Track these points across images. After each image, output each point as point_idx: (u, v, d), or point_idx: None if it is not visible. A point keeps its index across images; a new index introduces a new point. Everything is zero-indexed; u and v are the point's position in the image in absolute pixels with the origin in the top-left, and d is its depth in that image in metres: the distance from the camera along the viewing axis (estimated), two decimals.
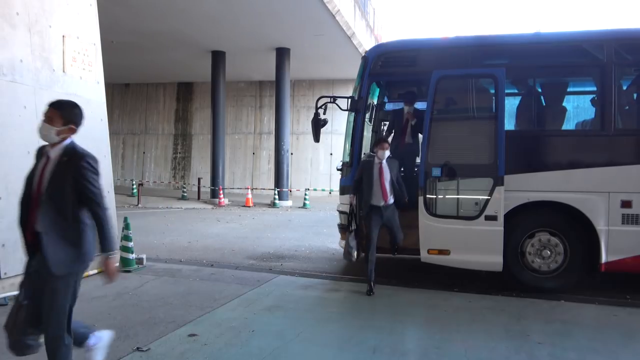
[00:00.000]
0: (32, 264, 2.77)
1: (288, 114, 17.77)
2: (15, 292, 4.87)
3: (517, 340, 3.98)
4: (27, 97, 5.25)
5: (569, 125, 5.98)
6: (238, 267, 6.67)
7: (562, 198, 5.37)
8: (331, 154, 21.06)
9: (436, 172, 5.57)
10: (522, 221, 5.50)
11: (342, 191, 6.49)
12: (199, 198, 18.56)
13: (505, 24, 66.05)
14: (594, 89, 5.83)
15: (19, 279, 5.05)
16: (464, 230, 5.50)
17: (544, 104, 6.00)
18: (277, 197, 16.94)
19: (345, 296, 5.36)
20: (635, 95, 5.78)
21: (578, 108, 5.99)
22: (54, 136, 2.77)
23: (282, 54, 17.01)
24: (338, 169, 7.00)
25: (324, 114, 6.28)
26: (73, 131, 2.85)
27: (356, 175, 5.67)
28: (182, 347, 3.72)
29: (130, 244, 6.35)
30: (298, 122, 21.96)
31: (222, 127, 18.16)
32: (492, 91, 5.62)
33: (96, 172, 2.76)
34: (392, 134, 7.05)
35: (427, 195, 5.61)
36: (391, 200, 5.47)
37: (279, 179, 17.28)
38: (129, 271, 6.19)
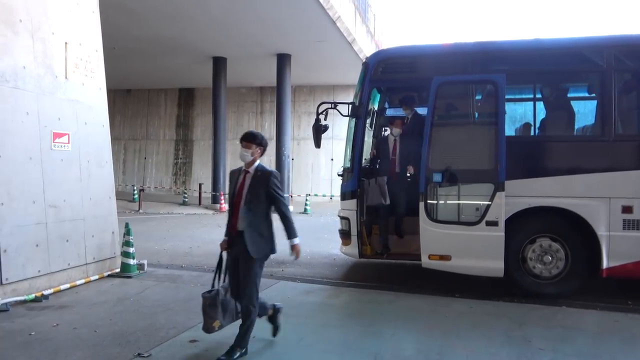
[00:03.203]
0: None
1: (289, 120, 17.79)
2: (18, 298, 4.91)
3: (518, 346, 3.98)
4: (29, 103, 5.28)
5: (569, 130, 5.99)
6: None
7: (563, 203, 5.37)
8: (332, 160, 21.06)
9: (437, 177, 5.57)
10: (523, 227, 5.50)
11: (343, 197, 6.49)
12: (200, 204, 18.55)
13: (505, 30, 66.25)
14: (594, 94, 5.85)
15: (20, 285, 5.10)
16: (465, 236, 5.50)
17: (544, 110, 6.02)
18: None
19: (346, 302, 5.35)
20: (635, 101, 5.78)
21: (578, 114, 6.00)
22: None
23: (283, 60, 17.06)
24: (339, 175, 7.01)
25: (325, 119, 6.31)
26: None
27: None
28: (184, 353, 3.72)
29: (132, 250, 6.36)
30: (299, 128, 21.99)
31: (223, 133, 18.20)
32: (493, 97, 5.63)
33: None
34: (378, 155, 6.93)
35: (428, 201, 5.62)
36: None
37: (280, 184, 17.26)
38: (130, 277, 6.19)
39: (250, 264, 3.62)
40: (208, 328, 3.64)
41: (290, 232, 3.69)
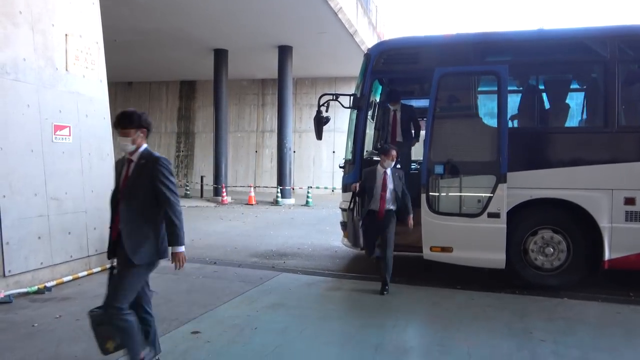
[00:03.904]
0: None
1: (290, 112, 17.76)
2: (21, 290, 4.93)
3: (519, 337, 3.98)
4: (30, 95, 5.27)
5: (572, 122, 5.96)
6: (241, 265, 6.68)
7: (565, 195, 5.35)
8: (334, 152, 21.04)
9: (438, 169, 5.56)
10: (524, 218, 5.49)
11: (345, 189, 6.49)
12: (202, 196, 18.59)
13: (507, 20, 65.82)
14: (597, 85, 5.81)
15: (23, 277, 5.11)
16: (466, 228, 5.50)
17: (547, 101, 5.98)
18: (279, 195, 16.95)
19: (347, 294, 5.36)
20: (638, 92, 5.74)
21: (581, 105, 5.96)
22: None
23: (284, 52, 16.99)
24: (340, 167, 7.01)
25: (327, 111, 6.28)
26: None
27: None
28: (185, 345, 3.73)
29: None
30: (300, 120, 21.95)
31: (225, 125, 18.17)
32: (495, 88, 5.60)
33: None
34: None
35: (430, 193, 5.61)
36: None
37: (282, 177, 17.28)
38: None
39: (125, 272, 2.97)
40: (102, 349, 3.03)
41: (174, 238, 2.99)
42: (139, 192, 2.98)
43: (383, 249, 5.31)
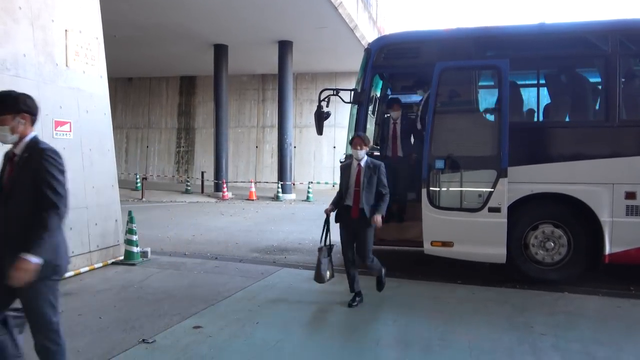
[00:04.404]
0: None
1: (291, 107, 17.74)
2: None
3: (520, 331, 3.99)
4: (30, 91, 5.12)
5: (572, 116, 5.95)
6: (242, 260, 6.70)
7: (565, 190, 5.35)
8: (334, 147, 21.03)
9: (439, 164, 5.56)
10: (525, 213, 5.49)
11: None
12: (202, 192, 18.59)
13: (509, 15, 65.54)
14: (599, 79, 5.79)
15: None
16: (467, 222, 5.50)
17: (548, 95, 5.97)
18: (280, 190, 16.95)
19: (348, 289, 5.37)
20: (639, 86, 5.73)
21: (582, 99, 5.94)
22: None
23: (284, 47, 16.95)
24: (341, 162, 7.00)
25: (327, 106, 6.28)
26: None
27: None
28: (187, 339, 3.75)
29: (135, 238, 6.38)
30: (301, 115, 21.93)
31: (225, 121, 18.16)
32: (496, 82, 5.59)
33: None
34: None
35: (430, 188, 5.61)
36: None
37: (282, 172, 17.29)
38: (133, 264, 6.22)
39: (33, 285, 2.38)
40: None
41: (34, 243, 2.31)
42: (22, 194, 2.40)
43: (360, 256, 4.71)
